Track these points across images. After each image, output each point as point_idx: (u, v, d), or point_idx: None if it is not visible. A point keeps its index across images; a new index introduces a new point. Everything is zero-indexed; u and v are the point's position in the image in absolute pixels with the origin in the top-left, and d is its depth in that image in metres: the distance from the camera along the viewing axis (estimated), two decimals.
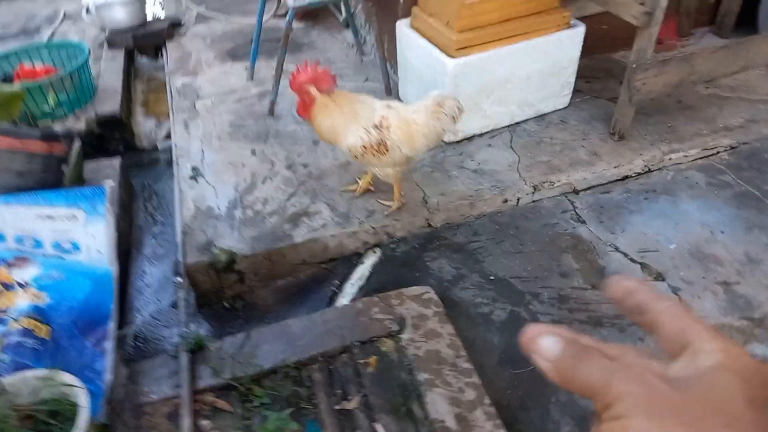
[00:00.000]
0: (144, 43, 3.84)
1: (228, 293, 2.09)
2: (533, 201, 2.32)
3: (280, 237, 2.09)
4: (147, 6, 3.95)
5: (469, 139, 2.55)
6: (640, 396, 0.28)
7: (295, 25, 3.85)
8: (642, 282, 0.36)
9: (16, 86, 2.62)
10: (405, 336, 1.71)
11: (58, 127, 2.99)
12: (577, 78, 2.62)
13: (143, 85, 3.73)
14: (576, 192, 2.35)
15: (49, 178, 2.06)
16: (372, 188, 2.28)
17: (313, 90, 1.82)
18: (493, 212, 2.28)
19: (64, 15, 4.48)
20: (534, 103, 2.59)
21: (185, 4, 4.29)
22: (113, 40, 3.75)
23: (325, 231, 2.11)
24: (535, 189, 2.30)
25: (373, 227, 2.13)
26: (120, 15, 3.72)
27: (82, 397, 1.34)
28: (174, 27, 3.95)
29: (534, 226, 2.21)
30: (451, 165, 2.41)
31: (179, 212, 2.27)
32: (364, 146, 1.85)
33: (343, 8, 3.58)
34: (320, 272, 2.15)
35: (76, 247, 1.85)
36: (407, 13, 2.62)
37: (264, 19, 3.22)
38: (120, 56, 3.66)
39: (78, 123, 3.04)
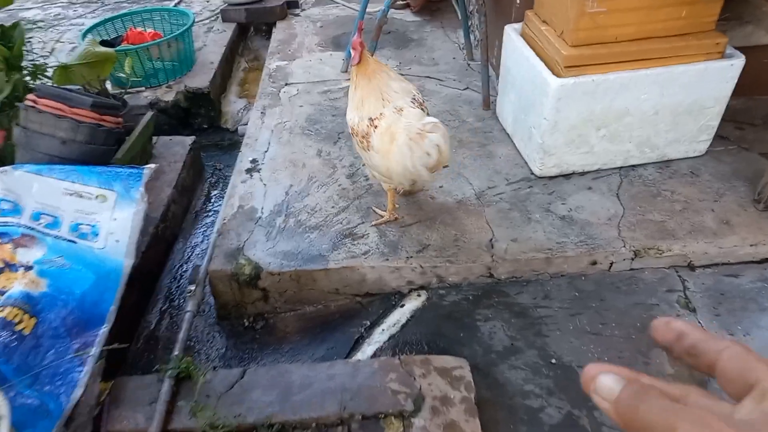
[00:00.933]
0: (257, 19, 3.75)
1: (250, 310, 1.87)
2: (631, 269, 1.84)
3: (314, 257, 1.82)
4: None
5: (567, 176, 2.11)
6: None
7: (411, 18, 3.56)
8: (692, 324, 0.35)
9: (109, 50, 2.59)
10: (417, 422, 1.37)
11: (149, 95, 2.97)
12: (722, 122, 2.06)
13: (247, 64, 3.65)
14: (691, 268, 1.84)
15: (96, 151, 1.96)
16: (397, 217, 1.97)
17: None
18: (575, 274, 1.84)
19: None
20: (659, 145, 2.08)
21: None
22: (227, 13, 3.71)
23: (365, 260, 1.81)
24: (636, 254, 1.82)
25: (421, 265, 1.80)
26: None
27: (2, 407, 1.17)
28: (290, 6, 3.83)
29: (624, 303, 1.75)
30: (535, 205, 1.99)
31: (223, 208, 2.09)
32: (352, 128, 1.77)
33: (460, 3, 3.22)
34: (353, 306, 1.86)
35: (94, 232, 1.72)
36: (521, 17, 2.21)
37: (376, 8, 2.97)
38: (230, 31, 3.60)
39: (168, 94, 3.00)
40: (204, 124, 3.07)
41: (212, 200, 2.56)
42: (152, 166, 1.92)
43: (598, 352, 1.62)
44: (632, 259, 1.83)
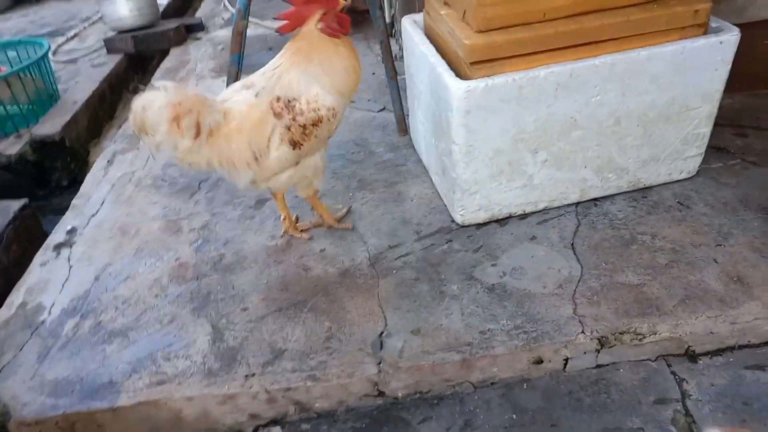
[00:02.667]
0: (148, 47, 3.15)
1: None
2: (597, 367, 1.18)
3: (101, 387, 1.16)
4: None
5: (501, 222, 1.46)
6: None
7: None
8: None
9: None
10: None
11: None
12: (716, 127, 1.43)
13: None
14: (691, 358, 1.18)
15: None
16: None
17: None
18: (511, 381, 1.17)
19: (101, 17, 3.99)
20: (628, 167, 1.44)
21: (223, 3, 3.59)
22: (112, 42, 3.10)
23: (180, 386, 1.15)
24: (602, 343, 1.16)
25: (268, 389, 1.14)
26: (123, 11, 3.06)
27: None
28: (192, 30, 3.24)
29: (591, 425, 1.08)
30: (452, 270, 1.34)
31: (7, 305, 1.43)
32: (332, 108, 1.26)
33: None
34: None
35: None
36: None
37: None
38: (112, 63, 2.99)
39: (13, 145, 2.36)
40: (63, 181, 2.43)
41: None
42: None
43: None
44: (597, 351, 1.17)
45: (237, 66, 1.80)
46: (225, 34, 3.19)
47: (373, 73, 2.44)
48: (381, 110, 2.12)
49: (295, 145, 1.24)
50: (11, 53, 2.70)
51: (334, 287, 1.34)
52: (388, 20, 2.75)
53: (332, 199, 1.64)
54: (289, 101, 1.22)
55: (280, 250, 1.47)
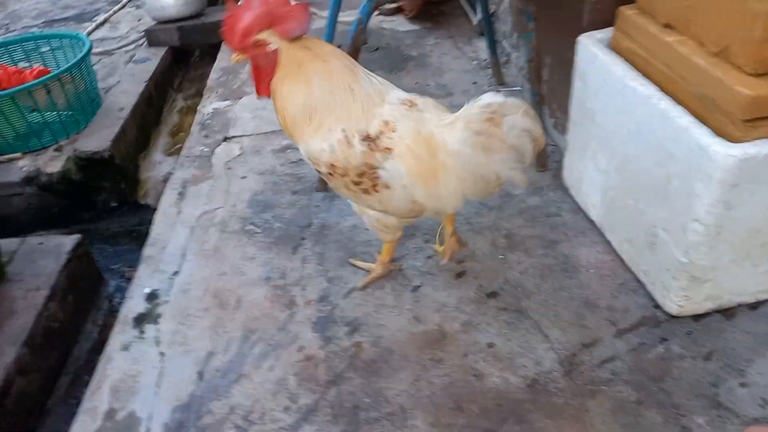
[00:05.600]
0: (195, 41, 2.77)
1: None
2: None
3: None
4: None
5: (726, 312, 1.13)
6: None
7: (407, 26, 2.58)
8: None
9: None
10: None
11: (26, 166, 1.99)
12: None
13: (185, 102, 2.67)
14: None
15: None
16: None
17: (269, 38, 0.98)
18: None
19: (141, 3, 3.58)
20: None
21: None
22: (155, 34, 2.72)
23: None
24: None
25: None
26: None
27: None
28: None
29: None
30: (685, 388, 1.01)
31: (78, 416, 1.10)
32: (332, 164, 1.03)
33: (477, 4, 2.26)
34: None
35: None
36: (605, 18, 1.24)
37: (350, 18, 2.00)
38: (157, 59, 2.62)
39: (54, 161, 2.01)
40: (112, 202, 2.08)
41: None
42: None
43: None
44: None
45: None
46: None
47: (474, 83, 2.08)
48: None
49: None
50: (44, 48, 2.34)
51: (527, 410, 1.01)
52: (480, 16, 2.38)
53: (479, 263, 1.31)
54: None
55: (433, 342, 1.14)
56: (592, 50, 1.21)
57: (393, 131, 1.00)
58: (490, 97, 0.96)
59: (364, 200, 1.07)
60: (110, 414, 1.07)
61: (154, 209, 2.02)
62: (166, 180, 2.12)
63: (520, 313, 1.18)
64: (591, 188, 1.32)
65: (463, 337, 1.14)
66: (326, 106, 1.00)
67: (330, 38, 1.68)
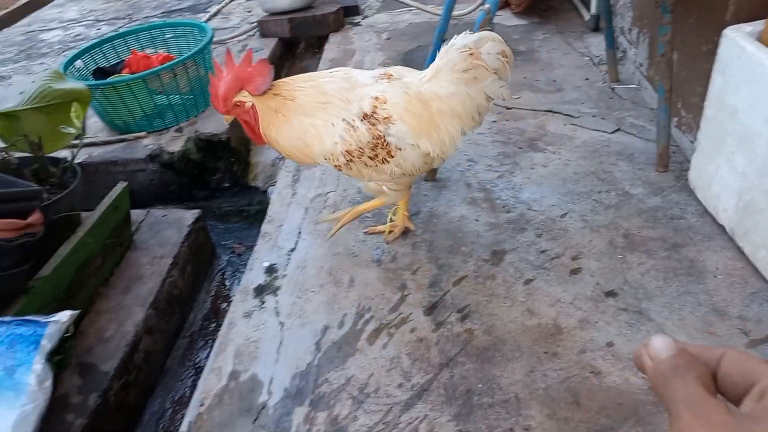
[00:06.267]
0: (305, 32, 2.87)
1: None
2: None
3: None
4: None
5: None
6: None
7: (514, 21, 2.56)
8: (677, 340, 0.34)
9: (78, 86, 1.76)
10: None
11: (150, 144, 2.14)
12: None
13: None
14: None
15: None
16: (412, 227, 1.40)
17: (244, 98, 1.15)
18: None
19: None
20: None
21: None
22: (266, 25, 2.85)
23: None
24: None
25: None
26: None
27: None
28: (348, 13, 2.92)
29: None
30: None
31: (205, 374, 1.18)
32: (347, 151, 1.15)
33: None
34: None
35: None
36: (752, 11, 1.17)
37: (464, 10, 2.00)
38: (268, 49, 2.73)
39: (175, 141, 2.15)
40: (225, 182, 2.20)
41: (221, 313, 1.67)
42: (64, 316, 1.03)
43: None
44: None
45: None
46: (385, 18, 2.86)
47: (586, 79, 2.02)
48: (615, 131, 1.71)
49: None
50: (168, 35, 2.50)
51: (649, 412, 0.97)
52: (593, 11, 2.31)
53: (596, 261, 1.27)
54: None
55: (547, 336, 1.13)
56: (739, 43, 1.15)
57: (385, 102, 1.14)
58: (461, 39, 1.14)
59: (385, 170, 1.19)
60: (234, 375, 1.13)
61: (263, 191, 2.15)
62: (274, 165, 2.24)
63: (641, 314, 1.14)
64: (723, 190, 1.25)
65: (580, 334, 1.12)
66: (310, 127, 1.15)
67: (443, 30, 1.70)
